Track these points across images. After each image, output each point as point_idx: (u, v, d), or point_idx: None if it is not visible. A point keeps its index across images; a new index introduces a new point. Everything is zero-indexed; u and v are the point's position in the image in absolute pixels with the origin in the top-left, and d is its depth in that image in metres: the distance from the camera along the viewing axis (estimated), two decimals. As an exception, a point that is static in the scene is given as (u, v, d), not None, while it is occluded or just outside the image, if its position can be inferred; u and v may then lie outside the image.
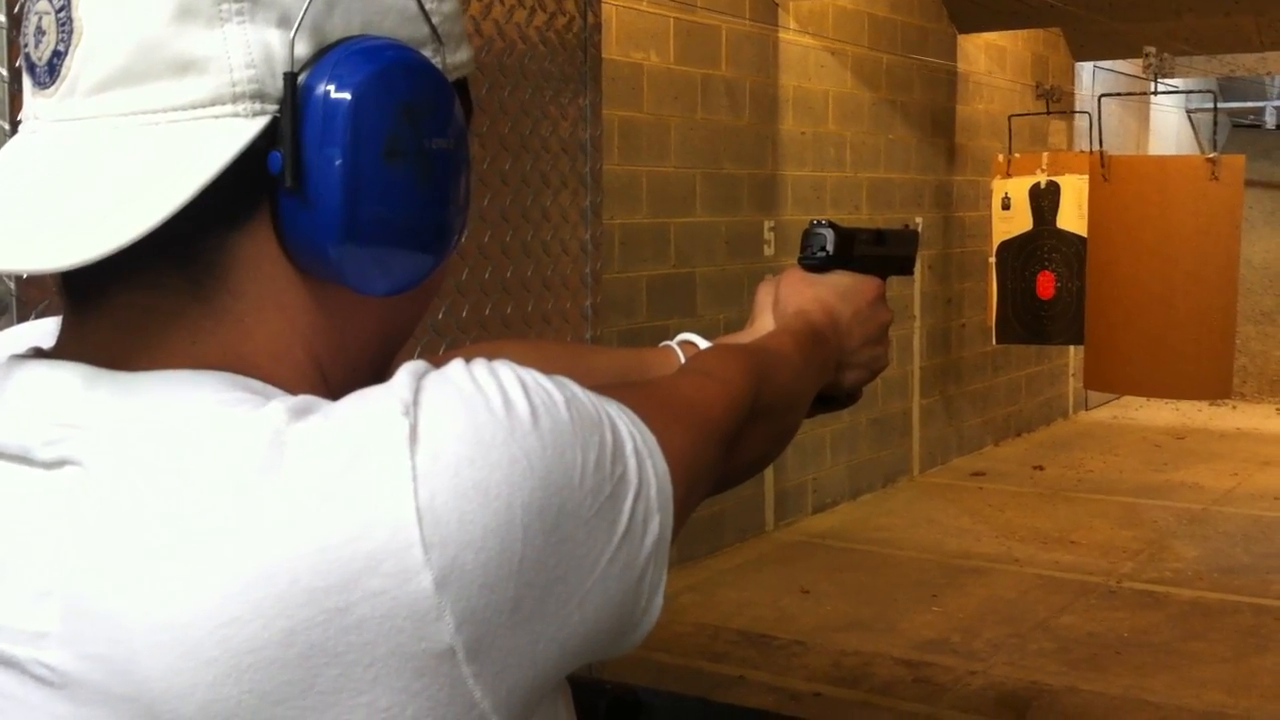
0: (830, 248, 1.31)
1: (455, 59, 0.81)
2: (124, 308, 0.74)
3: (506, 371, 0.73)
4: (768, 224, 6.65)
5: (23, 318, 1.98)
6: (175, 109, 0.71)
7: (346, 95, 0.72)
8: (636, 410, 0.80)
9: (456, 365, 0.73)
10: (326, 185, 0.72)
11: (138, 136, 0.71)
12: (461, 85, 0.83)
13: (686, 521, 0.86)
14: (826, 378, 1.28)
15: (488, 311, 2.83)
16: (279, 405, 0.69)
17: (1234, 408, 10.65)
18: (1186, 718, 4.42)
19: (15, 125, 2.12)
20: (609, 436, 0.75)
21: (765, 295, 1.35)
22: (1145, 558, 6.36)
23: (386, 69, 0.73)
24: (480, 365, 0.73)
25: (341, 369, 0.80)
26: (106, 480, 0.67)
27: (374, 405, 0.69)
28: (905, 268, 1.45)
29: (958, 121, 8.41)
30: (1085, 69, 10.04)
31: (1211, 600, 5.69)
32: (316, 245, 0.73)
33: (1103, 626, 5.34)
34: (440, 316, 2.71)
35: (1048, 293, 7.40)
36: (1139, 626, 5.34)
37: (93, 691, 0.65)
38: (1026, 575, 6.07)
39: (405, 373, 0.71)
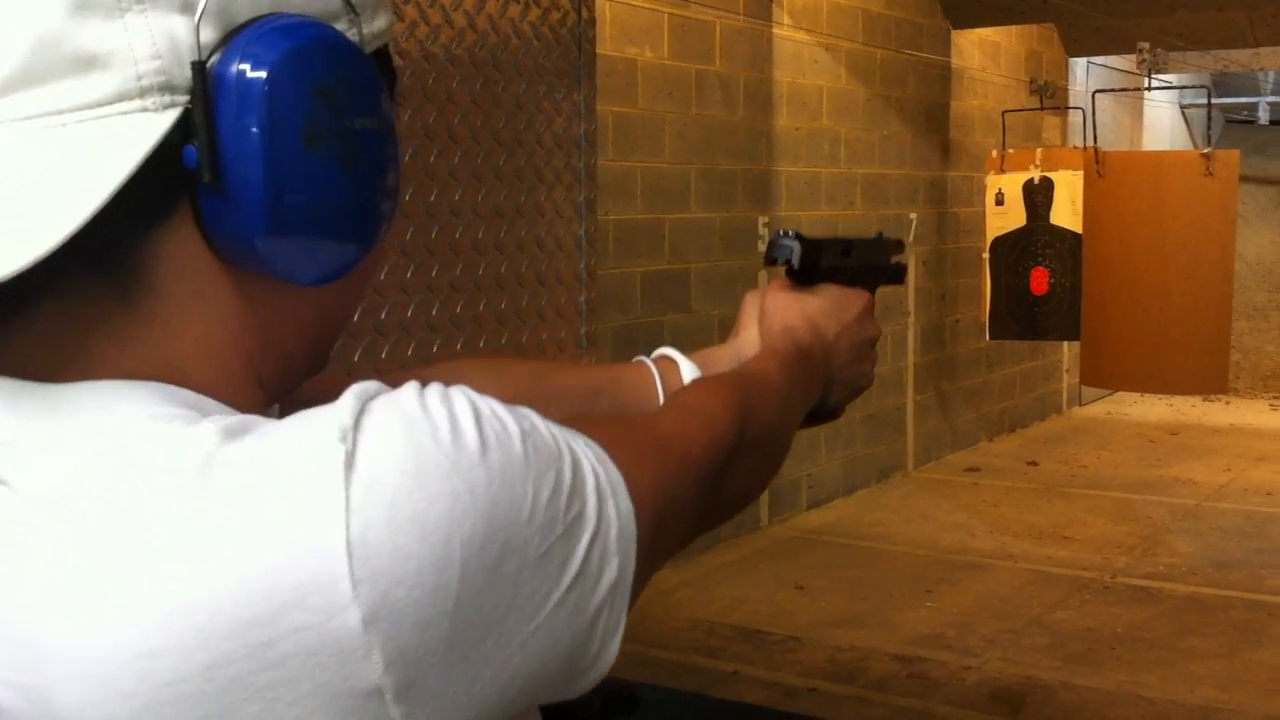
0: (795, 261, 1.26)
1: (373, 28, 0.77)
2: (46, 316, 0.70)
3: (461, 399, 0.69)
4: (762, 220, 6.65)
5: None
6: (80, 108, 0.67)
7: (259, 81, 0.68)
8: (605, 446, 0.76)
9: (409, 389, 0.69)
10: (246, 176, 0.68)
11: (44, 141, 0.67)
12: (382, 55, 0.80)
13: (660, 564, 0.82)
14: (813, 399, 1.24)
15: (482, 307, 2.82)
16: (210, 425, 0.66)
17: (1228, 403, 10.66)
18: (1180, 713, 4.42)
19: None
20: (567, 473, 0.71)
21: (751, 307, 1.30)
22: (1139, 553, 6.37)
23: (298, 50, 0.69)
24: (434, 391, 0.69)
25: (275, 363, 0.77)
26: (30, 500, 0.65)
27: (311, 429, 0.65)
28: (894, 276, 1.38)
29: (952, 117, 8.41)
30: (1079, 65, 10.04)
31: (1206, 595, 5.69)
32: (240, 238, 0.70)
33: (1097, 622, 5.34)
34: (434, 313, 2.70)
35: (1042, 288, 7.40)
36: (1133, 622, 5.34)
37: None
38: (1021, 571, 6.07)
39: (351, 395, 0.67)
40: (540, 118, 2.92)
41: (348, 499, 0.63)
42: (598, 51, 3.18)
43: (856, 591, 5.77)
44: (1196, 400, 10.56)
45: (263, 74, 0.68)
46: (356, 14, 0.76)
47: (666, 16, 5.96)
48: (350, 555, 0.62)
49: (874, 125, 7.60)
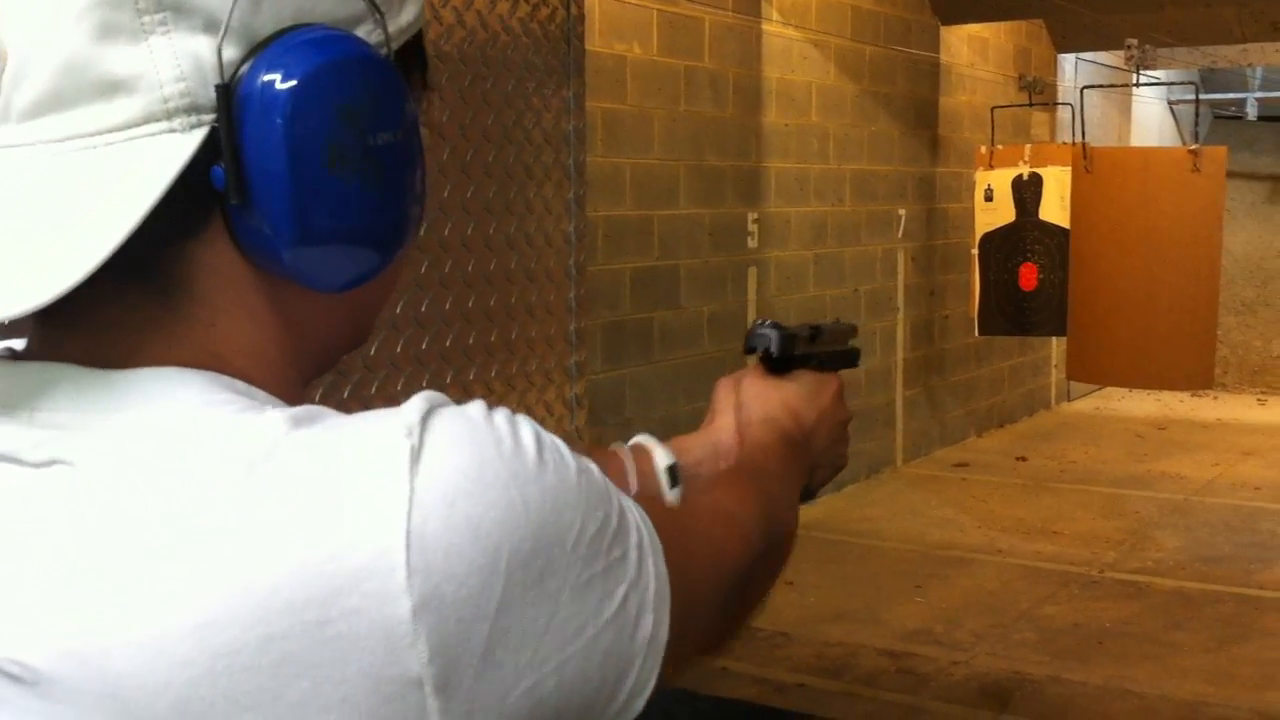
0: (775, 349, 1.27)
1: (400, 22, 0.77)
2: (95, 324, 0.73)
3: (526, 423, 0.72)
4: (751, 216, 6.66)
5: None
6: (109, 130, 0.69)
7: (280, 105, 0.69)
8: (653, 519, 0.77)
9: (477, 404, 0.72)
10: (272, 197, 0.70)
11: (76, 163, 0.69)
12: (413, 45, 0.80)
13: (684, 658, 0.81)
14: (801, 487, 1.25)
15: (471, 304, 2.82)
16: (278, 413, 0.69)
17: (1215, 398, 10.69)
18: (1168, 707, 4.44)
19: None
20: (614, 517, 0.73)
21: (726, 395, 1.29)
22: (1127, 548, 6.39)
23: (317, 71, 0.70)
24: (502, 412, 0.72)
25: (311, 358, 0.80)
26: (94, 479, 0.67)
27: (380, 424, 0.68)
28: (852, 360, 1.40)
29: (941, 113, 8.42)
30: (1068, 61, 10.06)
31: (1193, 590, 5.71)
32: (269, 252, 0.72)
33: (1085, 616, 5.36)
34: (424, 309, 2.70)
35: (1030, 284, 7.41)
36: (1121, 616, 5.36)
37: (66, 689, 0.65)
38: (1009, 566, 6.09)
39: (420, 398, 0.70)
40: (529, 114, 2.92)
41: (412, 491, 0.65)
42: (587, 48, 3.18)
43: (845, 587, 5.78)
44: (1184, 395, 10.59)
45: (284, 98, 0.69)
46: (381, 14, 0.75)
47: (656, 13, 5.96)
48: (409, 546, 0.64)
49: (863, 121, 7.60)
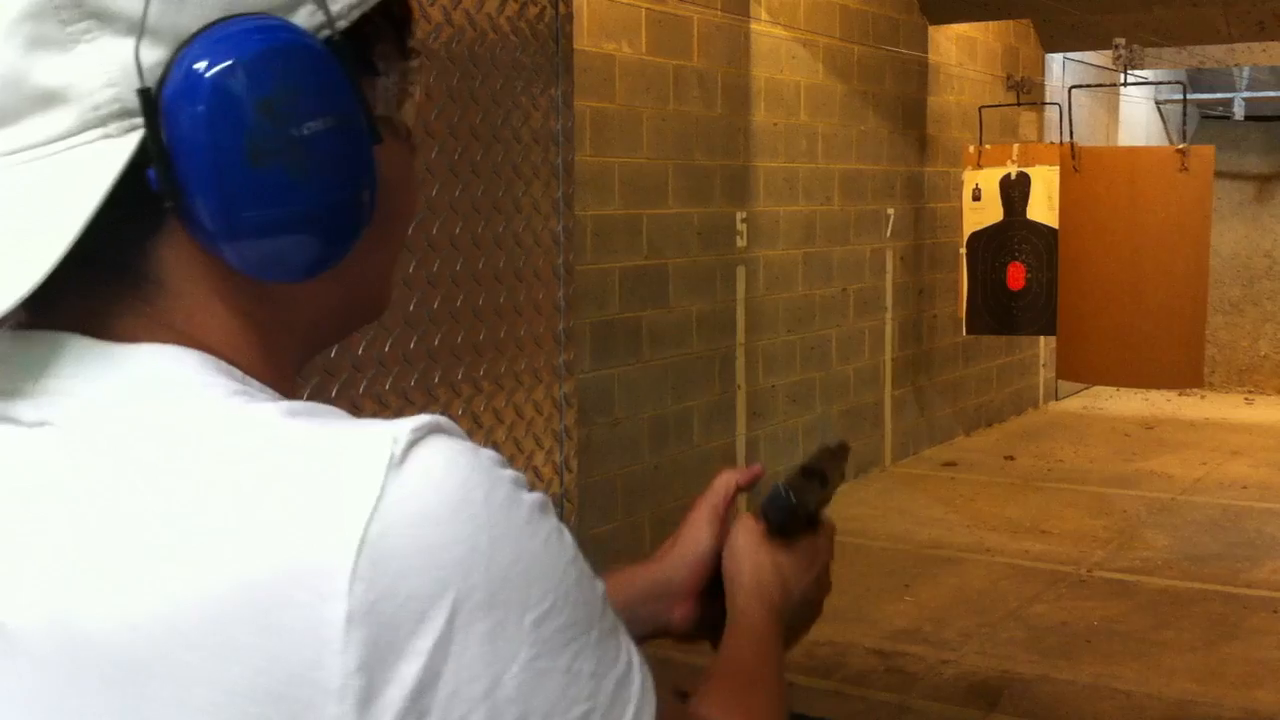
0: (789, 522, 1.19)
1: (342, 3, 0.74)
2: (77, 312, 0.73)
3: (538, 499, 0.69)
4: (740, 215, 6.66)
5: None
6: (49, 142, 0.70)
7: (197, 104, 0.68)
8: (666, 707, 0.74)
9: (493, 452, 0.70)
10: (202, 194, 0.69)
11: (24, 176, 0.70)
12: (379, 13, 0.76)
13: None
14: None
15: (459, 303, 2.82)
16: (272, 405, 0.69)
17: (1203, 397, 10.72)
18: (1156, 705, 4.44)
19: None
20: (600, 633, 0.70)
21: (704, 525, 1.18)
22: (1115, 547, 6.40)
23: (232, 68, 0.68)
24: (519, 475, 0.70)
25: (303, 342, 0.80)
26: (78, 444, 0.68)
27: (371, 428, 0.67)
28: (840, 477, 1.33)
29: (929, 112, 8.43)
30: (1055, 60, 10.08)
31: (1181, 589, 5.72)
32: (214, 248, 0.71)
33: (1073, 615, 5.37)
34: (411, 308, 2.69)
35: (1018, 283, 7.42)
36: (1109, 615, 5.37)
37: (31, 646, 0.66)
38: (998, 565, 6.10)
39: (427, 417, 0.68)
40: (517, 113, 2.91)
41: (379, 498, 0.64)
42: (575, 46, 3.17)
43: (834, 586, 5.73)
44: (1172, 395, 10.61)
45: (201, 97, 0.68)
46: None
47: (644, 11, 5.95)
48: (359, 551, 0.63)
49: (851, 121, 7.61)
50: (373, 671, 0.63)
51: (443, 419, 0.69)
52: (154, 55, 0.69)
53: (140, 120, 0.69)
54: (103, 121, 0.69)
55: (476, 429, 2.83)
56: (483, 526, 0.65)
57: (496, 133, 2.86)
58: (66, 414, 0.70)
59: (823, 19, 7.25)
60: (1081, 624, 5.26)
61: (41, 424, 0.70)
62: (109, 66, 0.69)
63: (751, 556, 1.16)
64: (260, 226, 0.71)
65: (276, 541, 0.64)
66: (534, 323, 3.01)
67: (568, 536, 0.70)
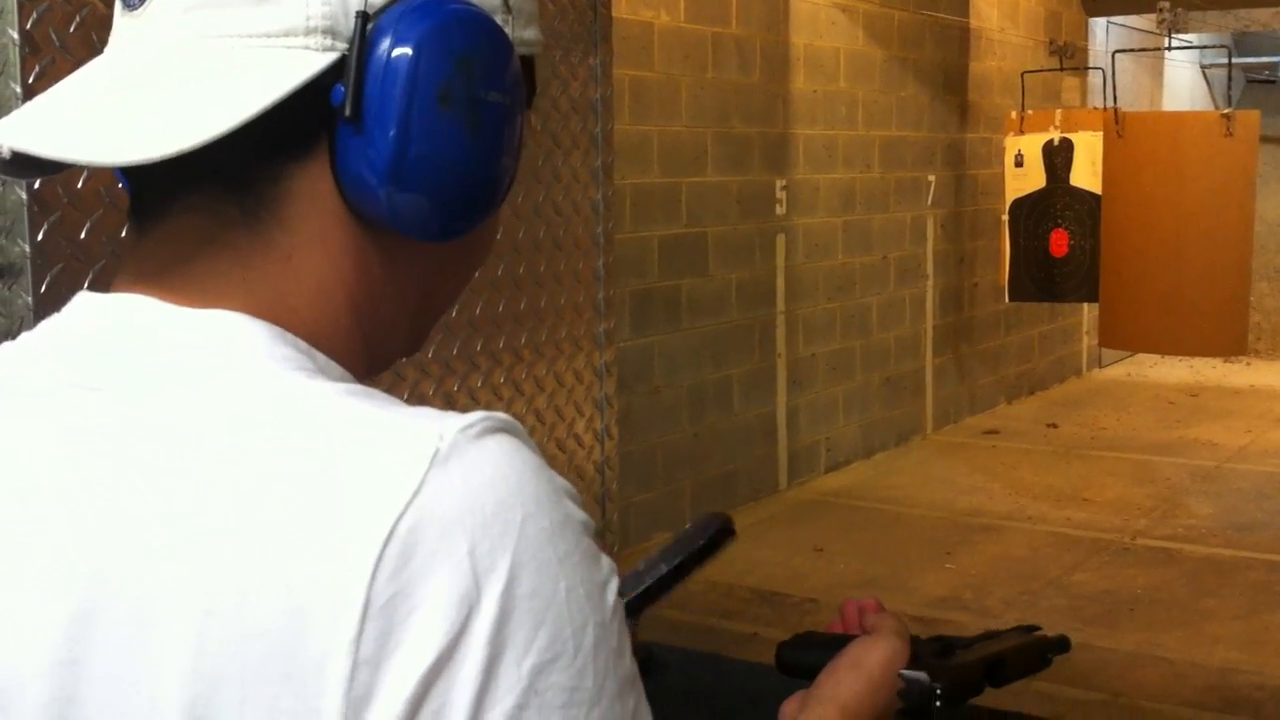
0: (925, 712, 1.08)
1: (523, 34, 0.81)
2: (180, 231, 0.76)
3: (596, 565, 0.67)
4: (779, 183, 6.64)
5: (37, 282, 1.99)
6: (250, 35, 0.73)
7: (410, 40, 0.73)
8: None
9: (571, 499, 0.68)
10: (381, 122, 0.73)
11: (210, 57, 0.73)
12: (527, 64, 0.83)
13: None
14: None
15: (500, 272, 2.83)
16: (330, 386, 0.71)
17: (1248, 364, 10.62)
18: (1199, 674, 4.43)
19: (27, 88, 2.11)
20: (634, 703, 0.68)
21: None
22: (1158, 515, 6.36)
23: (450, 20, 0.74)
24: (589, 522, 0.68)
25: (378, 324, 0.81)
26: (136, 418, 0.70)
27: (423, 419, 0.67)
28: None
29: (970, 78, 8.36)
30: (1099, 25, 9.96)
31: (1224, 557, 5.69)
32: (367, 181, 0.74)
33: (1116, 583, 5.35)
34: (452, 278, 2.70)
35: (1061, 250, 7.37)
36: (1152, 583, 5.35)
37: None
38: (1039, 533, 6.08)
39: (484, 413, 0.67)
40: (556, 82, 2.92)
41: (416, 493, 0.63)
42: (613, 15, 3.17)
43: (874, 554, 5.78)
44: (1216, 362, 10.52)
45: (414, 35, 0.73)
46: (510, 13, 0.80)
47: (682, -21, 5.93)
48: (386, 543, 0.62)
49: (891, 87, 7.56)
50: (375, 668, 0.61)
51: (513, 421, 0.68)
52: None
53: (341, 45, 0.73)
54: (308, 33, 0.73)
55: (518, 396, 2.85)
56: (508, 549, 0.63)
57: (535, 102, 2.86)
58: (116, 383, 0.71)
59: (863, -15, 7.20)
60: (1124, 592, 5.24)
61: (96, 389, 0.72)
62: None
63: (869, 683, 1.05)
64: (424, 166, 0.74)
65: (306, 528, 0.63)
66: (574, 291, 3.02)
67: (609, 599, 0.67)
